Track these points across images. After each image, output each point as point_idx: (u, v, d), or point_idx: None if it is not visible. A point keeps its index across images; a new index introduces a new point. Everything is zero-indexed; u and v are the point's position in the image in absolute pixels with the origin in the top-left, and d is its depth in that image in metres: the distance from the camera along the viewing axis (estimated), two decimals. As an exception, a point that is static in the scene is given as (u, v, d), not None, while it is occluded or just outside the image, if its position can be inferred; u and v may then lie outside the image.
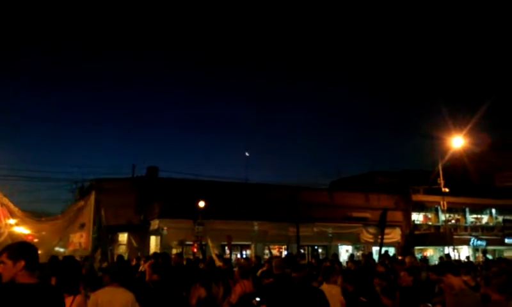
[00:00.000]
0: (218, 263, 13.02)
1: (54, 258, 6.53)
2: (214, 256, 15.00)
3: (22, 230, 19.00)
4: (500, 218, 32.17)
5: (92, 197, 20.89)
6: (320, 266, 12.46)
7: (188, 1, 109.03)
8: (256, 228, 22.89)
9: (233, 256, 19.92)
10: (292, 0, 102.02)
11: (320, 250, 25.17)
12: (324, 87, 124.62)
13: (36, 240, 18.69)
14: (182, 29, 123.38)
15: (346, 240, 25.82)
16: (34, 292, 2.96)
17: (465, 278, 6.79)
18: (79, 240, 19.73)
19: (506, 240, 28.11)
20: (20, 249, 3.14)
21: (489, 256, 23.46)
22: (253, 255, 21.12)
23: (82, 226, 20.46)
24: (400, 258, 17.75)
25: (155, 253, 15.21)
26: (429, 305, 5.54)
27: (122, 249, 21.98)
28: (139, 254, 17.60)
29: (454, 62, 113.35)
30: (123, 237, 23.40)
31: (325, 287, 6.65)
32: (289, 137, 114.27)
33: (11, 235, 18.27)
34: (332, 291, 6.66)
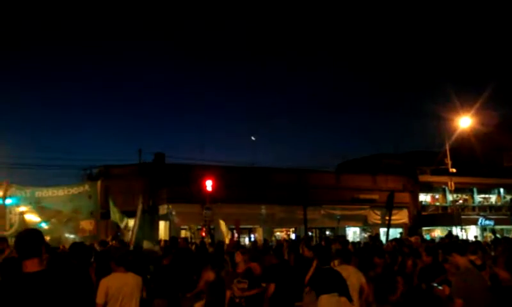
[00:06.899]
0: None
1: (74, 244, 6.64)
2: (227, 240, 15.14)
3: (32, 218, 19.34)
4: (508, 197, 32.13)
5: (98, 186, 21.27)
6: (330, 247, 12.52)
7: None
8: (263, 211, 22.99)
9: (241, 240, 20.10)
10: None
11: (328, 232, 25.30)
12: (330, 70, 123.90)
13: (46, 227, 19.02)
14: (182, 14, 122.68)
15: (354, 221, 25.92)
16: (36, 281, 2.71)
17: (472, 257, 6.82)
18: (89, 227, 20.22)
19: (514, 220, 28.08)
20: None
21: (498, 236, 23.44)
22: (261, 238, 21.29)
23: (92, 214, 20.87)
24: (404, 238, 17.75)
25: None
26: (435, 285, 5.60)
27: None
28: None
29: (461, 41, 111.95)
30: (132, 223, 23.54)
31: (340, 268, 6.73)
32: (295, 120, 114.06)
33: (22, 222, 18.66)
34: (349, 269, 6.76)
